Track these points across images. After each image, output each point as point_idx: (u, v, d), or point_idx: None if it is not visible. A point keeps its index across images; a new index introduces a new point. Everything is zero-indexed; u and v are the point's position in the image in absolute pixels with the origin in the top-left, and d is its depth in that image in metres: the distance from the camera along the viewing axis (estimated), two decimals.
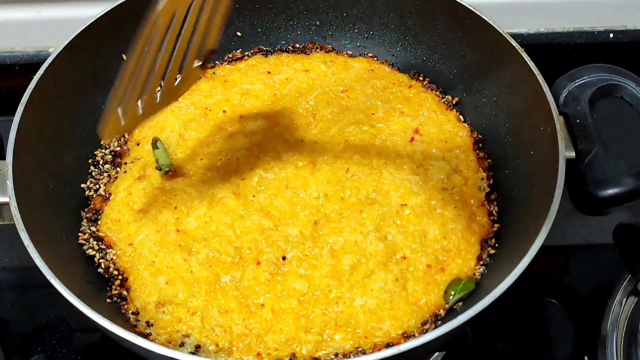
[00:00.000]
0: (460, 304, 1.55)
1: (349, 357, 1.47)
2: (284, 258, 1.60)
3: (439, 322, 1.52)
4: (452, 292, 1.54)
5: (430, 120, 1.82)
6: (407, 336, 1.50)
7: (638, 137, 2.00)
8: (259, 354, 1.49)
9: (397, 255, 1.59)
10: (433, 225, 1.63)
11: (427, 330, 1.50)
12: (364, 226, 1.62)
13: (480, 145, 1.82)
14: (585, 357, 1.75)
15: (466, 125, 1.84)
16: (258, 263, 1.59)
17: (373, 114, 1.84)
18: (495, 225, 1.68)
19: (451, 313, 1.54)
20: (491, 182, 1.75)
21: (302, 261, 1.59)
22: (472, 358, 1.80)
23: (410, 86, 1.91)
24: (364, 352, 1.47)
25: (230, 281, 1.57)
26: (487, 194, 1.73)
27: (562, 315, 1.86)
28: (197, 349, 1.51)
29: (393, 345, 1.46)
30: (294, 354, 1.48)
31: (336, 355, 1.48)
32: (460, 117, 1.86)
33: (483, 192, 1.73)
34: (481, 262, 1.62)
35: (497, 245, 1.65)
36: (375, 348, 1.48)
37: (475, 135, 1.82)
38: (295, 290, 1.55)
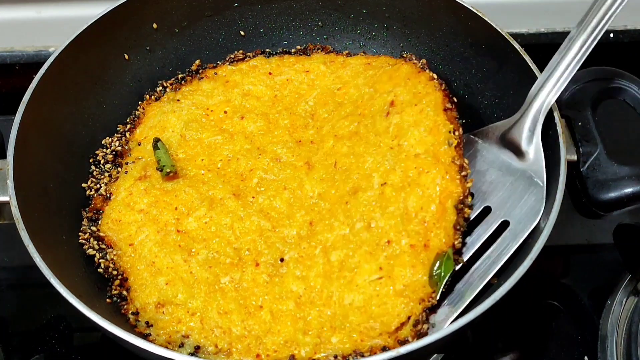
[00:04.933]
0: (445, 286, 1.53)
1: (348, 359, 1.47)
2: (282, 260, 1.60)
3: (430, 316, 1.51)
4: (436, 274, 1.52)
5: (405, 88, 1.77)
6: (400, 342, 1.48)
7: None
8: (258, 355, 1.49)
9: (382, 241, 1.56)
10: (411, 196, 1.59)
11: (419, 332, 1.48)
12: (350, 218, 1.61)
13: (449, 95, 1.76)
14: (586, 357, 1.75)
15: (435, 82, 1.77)
16: (257, 264, 1.59)
17: (360, 102, 1.82)
18: (469, 180, 1.63)
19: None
20: (460, 131, 1.69)
21: (299, 263, 1.59)
22: (472, 358, 1.80)
23: (394, 64, 1.87)
24: (362, 355, 1.47)
25: (229, 282, 1.57)
26: (458, 146, 1.67)
27: (562, 316, 1.86)
28: (196, 350, 1.51)
29: (389, 349, 1.46)
30: (292, 356, 1.48)
31: (335, 357, 1.48)
32: (433, 75, 1.79)
33: (452, 146, 1.65)
34: (458, 228, 1.57)
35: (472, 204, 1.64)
36: (372, 351, 1.47)
37: (443, 87, 1.76)
38: (292, 292, 1.55)
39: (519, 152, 1.64)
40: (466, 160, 1.65)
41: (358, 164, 1.69)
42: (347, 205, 1.63)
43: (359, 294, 1.51)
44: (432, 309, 1.53)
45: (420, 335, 1.47)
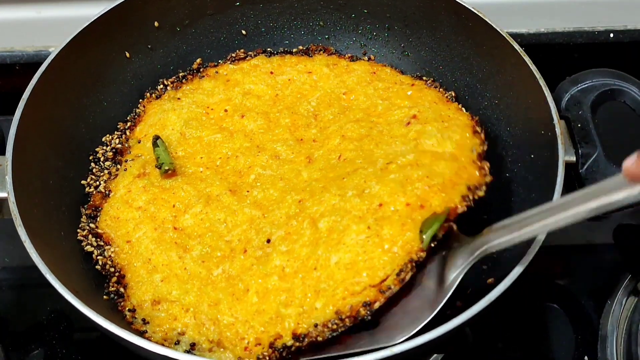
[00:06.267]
0: (435, 243, 1.50)
1: (329, 326, 1.46)
2: (268, 241, 1.59)
3: (415, 269, 1.48)
4: (425, 229, 1.48)
5: (429, 109, 1.78)
6: (382, 291, 1.46)
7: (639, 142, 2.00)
8: (246, 348, 1.49)
9: (374, 205, 1.53)
10: (418, 170, 1.56)
11: (403, 280, 1.46)
12: (343, 189, 1.59)
13: (479, 125, 1.75)
14: (586, 357, 1.75)
15: (467, 114, 1.79)
16: (245, 251, 1.59)
17: (373, 111, 1.83)
18: (487, 177, 1.61)
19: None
20: (485, 147, 1.69)
21: (285, 239, 1.57)
22: (472, 358, 1.80)
23: (412, 85, 1.90)
24: (342, 320, 1.45)
25: (221, 274, 1.58)
26: (480, 155, 1.66)
27: (562, 316, 1.85)
28: (192, 347, 1.51)
29: (370, 303, 1.45)
30: (279, 335, 1.47)
31: (316, 326, 1.46)
32: (463, 109, 1.84)
33: (475, 152, 1.65)
34: (466, 200, 1.55)
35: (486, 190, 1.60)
36: (353, 310, 1.45)
37: (475, 120, 1.77)
38: (276, 266, 1.53)
39: (441, 274, 1.51)
40: (487, 164, 1.65)
41: (365, 155, 1.69)
42: (344, 180, 1.62)
43: (345, 253, 1.49)
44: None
45: (402, 282, 1.47)
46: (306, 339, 1.46)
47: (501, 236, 1.42)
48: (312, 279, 1.50)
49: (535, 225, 1.38)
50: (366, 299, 1.46)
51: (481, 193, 1.58)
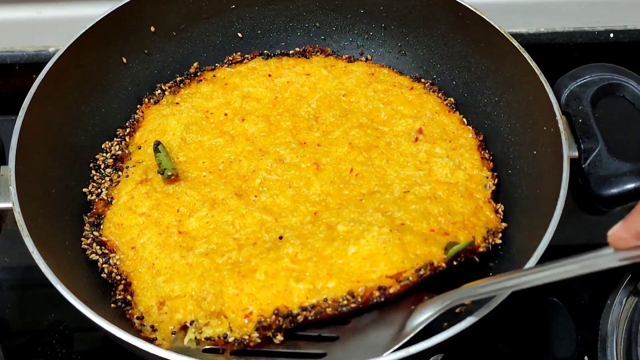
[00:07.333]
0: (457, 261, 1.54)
1: (339, 302, 1.46)
2: (280, 237, 1.59)
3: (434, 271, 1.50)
4: (450, 247, 1.51)
5: (433, 121, 1.82)
6: (400, 280, 1.47)
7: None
8: (247, 316, 1.47)
9: (395, 222, 1.56)
10: (438, 205, 1.61)
11: (422, 276, 1.48)
12: (363, 208, 1.60)
13: (484, 146, 1.81)
14: (586, 357, 1.75)
15: (470, 128, 1.83)
16: (254, 244, 1.59)
17: (376, 116, 1.84)
18: (503, 223, 1.67)
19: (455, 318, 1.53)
20: (496, 181, 1.74)
21: (298, 237, 1.57)
22: (472, 358, 1.80)
23: (411, 88, 1.90)
24: (353, 296, 1.45)
25: (226, 260, 1.57)
26: (493, 192, 1.72)
27: (562, 315, 1.86)
28: (190, 324, 1.51)
29: (384, 288, 1.46)
30: (285, 307, 1.46)
31: (325, 300, 1.46)
32: (464, 119, 1.85)
33: (489, 190, 1.71)
34: (486, 242, 1.60)
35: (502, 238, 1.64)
36: (367, 292, 1.45)
37: (480, 138, 1.82)
38: (287, 253, 1.53)
39: (403, 324, 1.46)
40: (502, 206, 1.69)
41: (378, 174, 1.71)
42: (362, 201, 1.63)
43: (364, 245, 1.50)
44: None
45: (421, 278, 1.48)
46: (314, 310, 1.46)
47: (475, 290, 1.39)
48: (326, 264, 1.50)
49: (511, 281, 1.35)
50: (381, 283, 1.47)
51: (498, 240, 1.63)
